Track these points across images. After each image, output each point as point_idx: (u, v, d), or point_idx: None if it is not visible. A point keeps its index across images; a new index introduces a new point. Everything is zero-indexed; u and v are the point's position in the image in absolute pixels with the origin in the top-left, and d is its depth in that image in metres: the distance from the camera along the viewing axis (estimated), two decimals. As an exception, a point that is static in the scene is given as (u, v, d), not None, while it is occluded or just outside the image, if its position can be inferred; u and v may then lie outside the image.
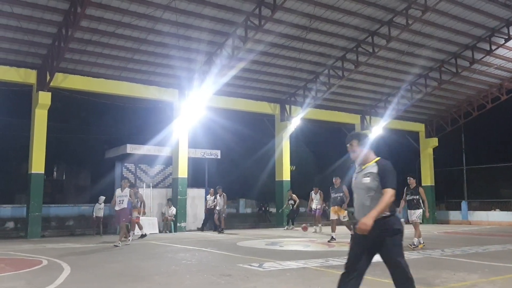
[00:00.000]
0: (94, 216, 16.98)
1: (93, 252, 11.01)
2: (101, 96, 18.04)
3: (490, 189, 26.74)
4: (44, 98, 15.53)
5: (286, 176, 21.50)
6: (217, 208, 17.50)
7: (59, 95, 16.70)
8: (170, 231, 17.84)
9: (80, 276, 7.46)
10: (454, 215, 25.22)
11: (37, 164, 15.50)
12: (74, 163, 28.96)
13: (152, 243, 13.23)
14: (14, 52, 15.22)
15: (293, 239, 14.52)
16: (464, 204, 24.96)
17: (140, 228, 14.44)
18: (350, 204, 7.30)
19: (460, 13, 16.83)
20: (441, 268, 8.07)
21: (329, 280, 6.61)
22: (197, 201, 19.58)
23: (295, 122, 21.16)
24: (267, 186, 25.41)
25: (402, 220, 4.46)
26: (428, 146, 25.93)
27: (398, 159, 27.36)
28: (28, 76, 15.72)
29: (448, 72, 20.60)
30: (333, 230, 13.63)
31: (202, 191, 19.93)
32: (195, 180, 20.90)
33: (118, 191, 12.46)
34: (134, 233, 14.42)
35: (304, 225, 18.07)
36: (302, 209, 21.89)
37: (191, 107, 18.04)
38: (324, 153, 30.62)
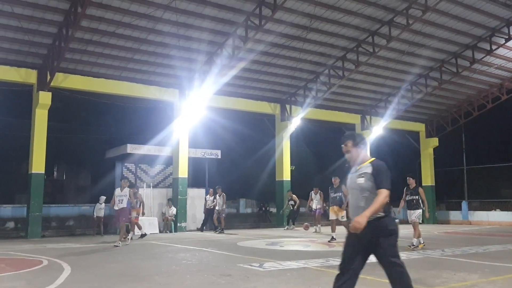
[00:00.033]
0: (94, 216, 16.99)
1: (94, 252, 11.01)
2: (101, 96, 18.05)
3: (490, 189, 26.72)
4: (45, 98, 15.53)
5: (287, 176, 21.51)
6: (217, 208, 17.50)
7: (59, 95, 16.71)
8: (171, 231, 17.84)
9: (81, 276, 7.46)
10: (454, 215, 25.21)
11: (38, 164, 15.50)
12: (75, 163, 28.96)
13: (152, 243, 13.24)
14: (14, 52, 15.23)
15: (293, 239, 14.52)
16: (464, 204, 24.96)
17: (139, 228, 14.45)
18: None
19: (460, 13, 16.83)
20: (442, 268, 8.07)
21: (329, 280, 6.56)
22: (196, 202, 19.48)
23: (296, 122, 21.17)
24: (268, 186, 25.41)
25: (397, 220, 4.47)
26: (428, 146, 25.93)
27: (399, 159, 27.41)
28: (28, 76, 15.73)
29: (449, 72, 20.59)
30: (333, 230, 13.64)
31: (202, 191, 19.93)
32: (196, 180, 20.91)
33: (117, 191, 12.47)
34: (134, 233, 14.44)
35: (305, 224, 18.06)
36: (302, 209, 21.89)
37: (192, 107, 18.04)
38: (324, 153, 30.60)
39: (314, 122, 23.20)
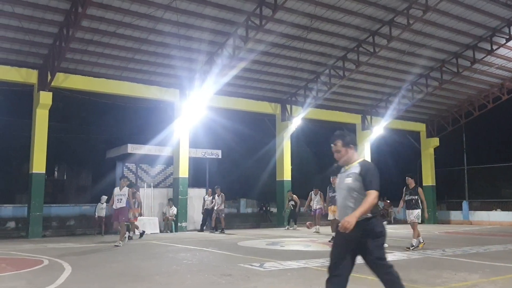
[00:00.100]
0: (96, 216, 16.98)
1: (94, 252, 11.02)
2: (102, 96, 18.07)
3: (491, 189, 26.73)
4: (45, 98, 15.54)
5: (287, 176, 21.51)
6: (215, 208, 17.50)
7: (60, 95, 16.73)
8: (171, 231, 17.84)
9: (81, 276, 7.46)
10: (455, 215, 25.20)
11: (38, 164, 15.51)
12: (75, 163, 28.97)
13: (153, 243, 13.24)
14: (15, 52, 15.24)
15: (294, 239, 14.52)
16: (465, 204, 24.95)
17: (137, 228, 14.54)
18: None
19: (461, 13, 16.82)
20: (442, 268, 8.07)
21: (329, 280, 6.59)
22: (194, 202, 19.35)
23: (296, 122, 21.17)
24: (268, 186, 25.40)
25: (384, 223, 4.46)
26: (429, 146, 25.91)
27: (399, 159, 27.44)
28: (29, 76, 15.74)
29: (449, 72, 20.59)
30: (333, 230, 13.62)
31: (203, 191, 19.92)
32: (196, 180, 20.90)
33: (116, 190, 12.46)
34: (134, 233, 14.48)
35: (309, 222, 18.02)
36: (302, 209, 21.86)
37: (192, 107, 18.04)
38: (324, 153, 30.51)
39: (314, 122, 23.20)
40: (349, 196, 4.18)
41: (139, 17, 14.41)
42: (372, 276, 6.33)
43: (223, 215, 17.65)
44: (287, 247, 12.04)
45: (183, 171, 18.43)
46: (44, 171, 15.73)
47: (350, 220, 3.92)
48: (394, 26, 16.73)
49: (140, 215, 15.08)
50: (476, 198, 26.37)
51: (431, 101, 23.95)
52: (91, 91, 17.23)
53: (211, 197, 17.98)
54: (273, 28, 16.10)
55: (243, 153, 28.07)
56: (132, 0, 13.70)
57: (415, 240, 11.19)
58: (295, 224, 19.66)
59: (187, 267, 8.39)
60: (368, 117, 23.84)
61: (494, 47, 19.11)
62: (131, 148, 19.22)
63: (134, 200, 13.61)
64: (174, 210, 18.11)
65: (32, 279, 7.07)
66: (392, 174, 21.33)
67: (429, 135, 26.05)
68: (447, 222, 24.74)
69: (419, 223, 11.50)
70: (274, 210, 24.31)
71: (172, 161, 19.28)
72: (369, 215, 4.06)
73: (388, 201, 25.57)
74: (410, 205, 11.40)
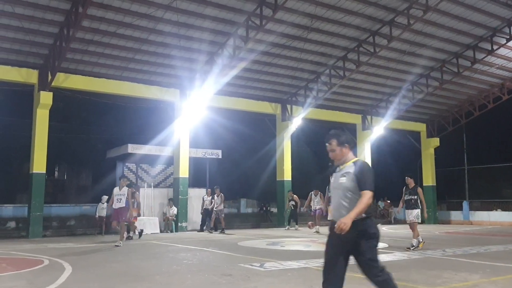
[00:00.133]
0: (97, 216, 16.98)
1: (95, 252, 11.02)
2: (102, 96, 18.06)
3: (491, 189, 26.71)
4: (46, 98, 15.55)
5: (287, 176, 21.51)
6: (215, 208, 17.49)
7: (60, 95, 16.72)
8: (171, 231, 17.85)
9: (81, 275, 7.46)
10: (455, 215, 25.19)
11: (39, 164, 15.51)
12: (76, 162, 28.96)
13: (153, 243, 13.25)
14: (15, 52, 15.24)
15: (294, 239, 14.53)
16: (465, 204, 24.94)
17: (135, 228, 14.58)
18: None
19: (461, 13, 16.82)
20: (443, 268, 8.07)
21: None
22: (193, 202, 19.25)
23: (296, 122, 21.17)
24: (268, 186, 25.38)
25: (378, 225, 4.44)
26: (429, 146, 25.90)
27: (399, 159, 27.44)
28: (29, 76, 15.74)
29: (450, 72, 20.58)
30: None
31: (203, 191, 19.90)
32: (196, 180, 20.91)
33: (116, 190, 12.45)
34: (135, 233, 14.49)
35: (311, 222, 18.00)
36: (302, 209, 21.85)
37: (192, 107, 18.05)
38: (325, 153, 30.44)
39: (315, 122, 23.18)
40: (343, 196, 4.16)
41: (140, 17, 14.41)
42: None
43: (223, 215, 17.65)
44: (287, 247, 12.04)
45: (184, 171, 18.43)
46: (44, 171, 15.73)
47: (346, 222, 3.89)
48: (395, 26, 16.73)
49: (139, 215, 15.09)
50: (476, 198, 26.36)
51: (432, 101, 23.94)
52: (92, 91, 17.23)
53: (210, 197, 17.98)
54: (274, 28, 16.10)
55: (244, 153, 28.05)
56: (132, 0, 13.71)
57: (415, 240, 11.18)
58: (296, 224, 19.65)
59: (188, 267, 8.39)
60: (369, 117, 23.84)
61: (495, 47, 19.11)
62: (131, 148, 19.22)
63: (133, 200, 13.61)
64: (174, 210, 18.11)
65: (33, 279, 7.08)
66: (393, 174, 21.35)
67: (430, 135, 26.04)
68: (448, 222, 24.72)
69: (419, 223, 11.47)
70: (274, 210, 24.29)
71: (172, 161, 19.28)
72: (364, 215, 4.04)
73: (389, 201, 25.58)
74: (410, 205, 11.39)
